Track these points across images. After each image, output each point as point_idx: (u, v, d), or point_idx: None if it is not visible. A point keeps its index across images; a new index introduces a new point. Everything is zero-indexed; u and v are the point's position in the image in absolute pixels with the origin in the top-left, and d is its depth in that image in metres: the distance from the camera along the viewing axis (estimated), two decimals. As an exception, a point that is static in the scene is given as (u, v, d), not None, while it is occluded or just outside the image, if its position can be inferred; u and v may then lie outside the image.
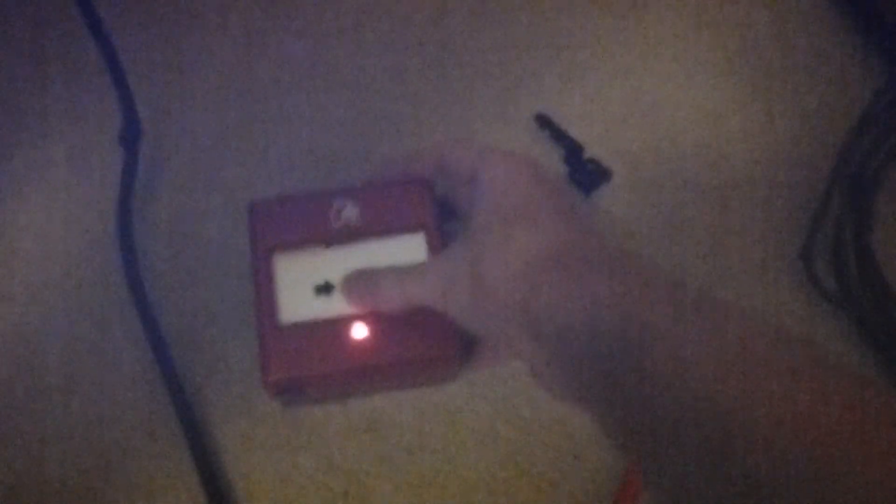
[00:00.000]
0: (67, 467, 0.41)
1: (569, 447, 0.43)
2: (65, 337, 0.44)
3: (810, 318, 0.45)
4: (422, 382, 0.43)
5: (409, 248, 0.40)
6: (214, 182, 0.47)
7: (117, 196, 0.44)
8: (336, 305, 0.39)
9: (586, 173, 0.48)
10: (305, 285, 0.39)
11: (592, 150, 0.48)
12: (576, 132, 0.49)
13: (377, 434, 0.42)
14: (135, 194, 0.45)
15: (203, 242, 0.46)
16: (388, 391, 0.43)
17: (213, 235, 0.46)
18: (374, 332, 0.39)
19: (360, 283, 0.38)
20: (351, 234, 0.40)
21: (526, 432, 0.43)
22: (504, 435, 0.43)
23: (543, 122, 0.49)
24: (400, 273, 0.37)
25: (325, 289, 0.39)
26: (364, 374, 0.39)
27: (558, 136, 0.49)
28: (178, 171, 0.47)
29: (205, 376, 0.43)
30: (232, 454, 0.42)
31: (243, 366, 0.43)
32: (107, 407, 0.43)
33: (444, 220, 0.40)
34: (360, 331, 0.39)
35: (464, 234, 0.35)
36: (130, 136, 0.44)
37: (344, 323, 0.39)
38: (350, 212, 0.40)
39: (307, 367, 0.38)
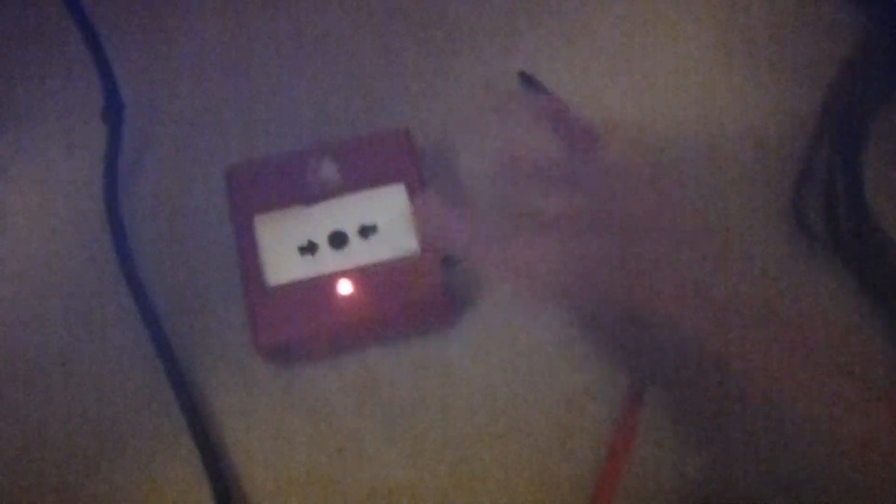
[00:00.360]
0: (65, 440, 0.42)
1: (563, 400, 0.42)
2: (57, 314, 0.44)
3: (805, 267, 0.45)
4: (415, 330, 0.43)
5: (390, 200, 0.40)
6: (200, 154, 0.47)
7: (103, 171, 0.45)
8: (321, 264, 0.39)
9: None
10: (289, 245, 0.39)
11: (577, 108, 0.48)
12: (560, 91, 0.49)
13: (371, 392, 0.42)
14: (121, 169, 0.45)
15: (191, 213, 0.46)
16: (382, 342, 0.43)
17: (201, 206, 0.46)
18: (360, 287, 0.39)
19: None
20: (330, 191, 0.40)
21: (520, 386, 0.43)
22: (498, 389, 0.42)
23: (527, 80, 0.49)
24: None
25: (309, 248, 0.39)
26: (355, 328, 0.39)
27: (541, 94, 0.49)
28: (164, 145, 0.47)
29: (197, 343, 0.43)
30: (226, 416, 0.42)
31: (234, 330, 0.43)
32: (102, 378, 0.43)
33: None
34: (346, 286, 0.39)
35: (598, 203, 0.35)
36: (113, 112, 0.44)
37: (330, 280, 0.39)
38: (328, 168, 0.40)
39: (297, 329, 0.39)
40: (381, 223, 0.39)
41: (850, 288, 0.44)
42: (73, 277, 0.45)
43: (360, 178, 0.40)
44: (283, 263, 0.39)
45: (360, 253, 0.39)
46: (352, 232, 0.39)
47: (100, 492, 0.41)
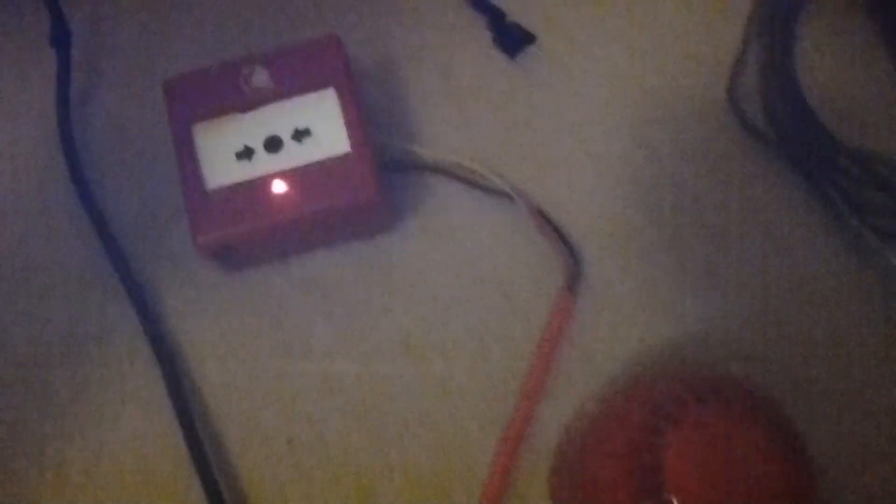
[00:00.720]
0: (18, 346, 0.44)
1: (503, 295, 0.44)
2: (12, 238, 0.46)
3: (742, 157, 0.46)
4: (358, 232, 0.44)
5: (321, 105, 0.41)
6: (146, 71, 0.49)
7: (55, 96, 0.46)
8: (257, 167, 0.41)
9: (510, 37, 0.49)
10: (226, 151, 0.41)
11: (515, 16, 0.49)
12: (508, 6, 0.49)
13: (318, 292, 0.44)
14: (72, 92, 0.47)
15: (140, 128, 0.48)
16: (328, 245, 0.45)
17: (148, 120, 0.48)
18: (295, 185, 0.40)
19: None
20: (263, 98, 0.41)
21: (462, 283, 0.45)
22: (441, 287, 0.45)
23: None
24: None
25: (245, 153, 0.41)
26: (293, 227, 0.41)
27: (480, 4, 0.50)
28: (113, 67, 0.49)
29: (149, 251, 0.46)
30: (178, 319, 0.44)
31: (184, 239, 0.45)
32: (55, 288, 0.45)
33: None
34: (281, 185, 0.41)
35: None
36: (60, 37, 0.46)
37: (266, 181, 0.41)
38: (260, 76, 0.42)
39: (234, 227, 0.40)
40: (313, 126, 0.41)
41: (787, 175, 0.45)
42: (27, 194, 0.47)
43: (292, 84, 0.42)
44: (220, 168, 0.41)
45: (295, 155, 0.41)
46: (286, 136, 0.41)
47: (53, 393, 0.43)
